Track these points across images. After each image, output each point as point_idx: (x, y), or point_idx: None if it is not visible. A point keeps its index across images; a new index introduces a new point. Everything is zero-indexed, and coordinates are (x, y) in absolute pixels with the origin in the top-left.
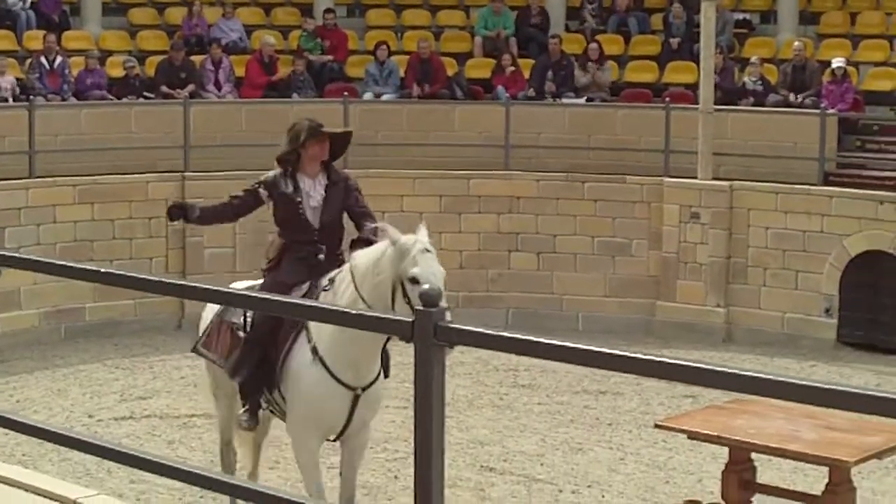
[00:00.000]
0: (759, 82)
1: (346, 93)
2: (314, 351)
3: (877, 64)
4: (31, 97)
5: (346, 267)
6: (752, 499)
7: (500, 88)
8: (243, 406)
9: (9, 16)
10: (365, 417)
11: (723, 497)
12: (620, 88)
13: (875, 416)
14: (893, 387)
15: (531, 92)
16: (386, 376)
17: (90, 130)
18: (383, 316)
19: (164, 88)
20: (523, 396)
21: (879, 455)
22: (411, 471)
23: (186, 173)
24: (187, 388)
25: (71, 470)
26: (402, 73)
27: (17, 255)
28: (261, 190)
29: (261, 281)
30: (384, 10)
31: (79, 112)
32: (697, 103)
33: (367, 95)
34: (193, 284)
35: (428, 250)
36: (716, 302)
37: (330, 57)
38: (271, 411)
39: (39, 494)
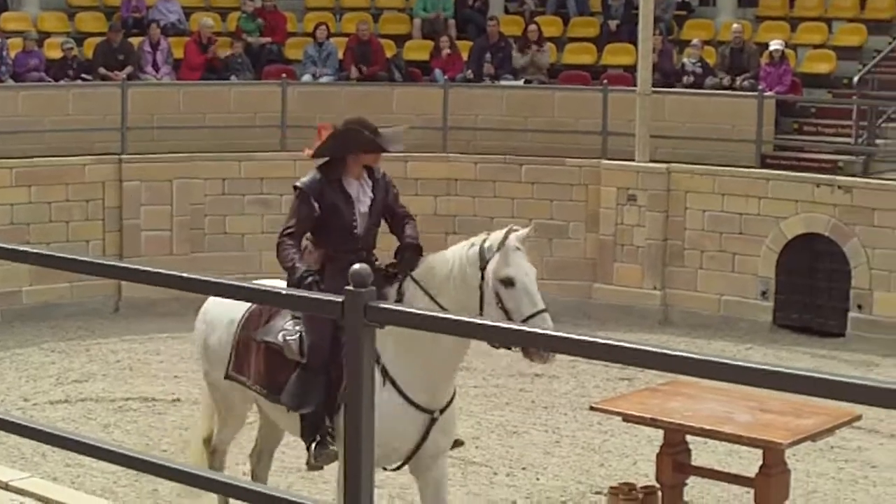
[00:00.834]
0: (699, 64)
1: (284, 75)
2: (384, 371)
3: (815, 46)
4: None
5: (404, 278)
6: (687, 481)
7: (438, 71)
8: (311, 440)
9: None
10: (440, 444)
11: (657, 479)
12: (559, 70)
13: (810, 399)
14: (829, 369)
15: (469, 74)
16: None
17: (27, 112)
18: (314, 296)
19: (102, 70)
20: (458, 379)
21: (813, 437)
22: None
23: (123, 156)
24: (123, 372)
25: (6, 454)
26: (340, 55)
27: None
28: (314, 203)
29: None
30: None
31: (16, 94)
32: (636, 85)
33: (306, 77)
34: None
35: (518, 248)
36: (652, 284)
37: (268, 39)
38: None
39: None
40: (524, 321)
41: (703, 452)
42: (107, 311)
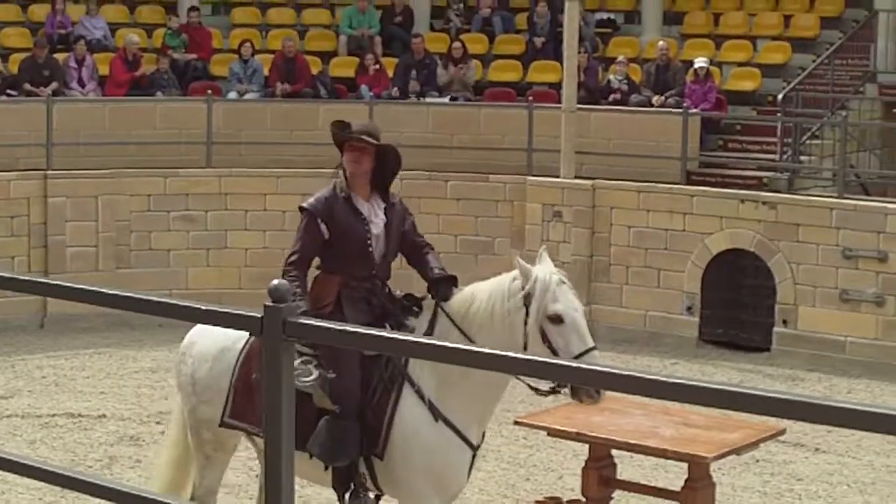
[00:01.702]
0: (625, 81)
1: (209, 91)
2: (432, 407)
3: (739, 64)
4: None
5: (436, 312)
6: (613, 495)
7: (364, 87)
8: (344, 490)
9: None
10: (470, 476)
11: (583, 493)
12: (484, 87)
13: (735, 413)
14: (754, 384)
15: (395, 91)
16: None
17: None
18: (232, 311)
19: (28, 86)
20: None
21: (738, 451)
22: None
23: (49, 172)
24: (49, 388)
25: None
26: (266, 72)
27: None
28: (321, 226)
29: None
30: (249, 9)
31: None
32: (561, 102)
33: (231, 94)
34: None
35: (563, 281)
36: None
37: (194, 55)
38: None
39: None
40: (573, 359)
41: (628, 467)
42: (32, 327)
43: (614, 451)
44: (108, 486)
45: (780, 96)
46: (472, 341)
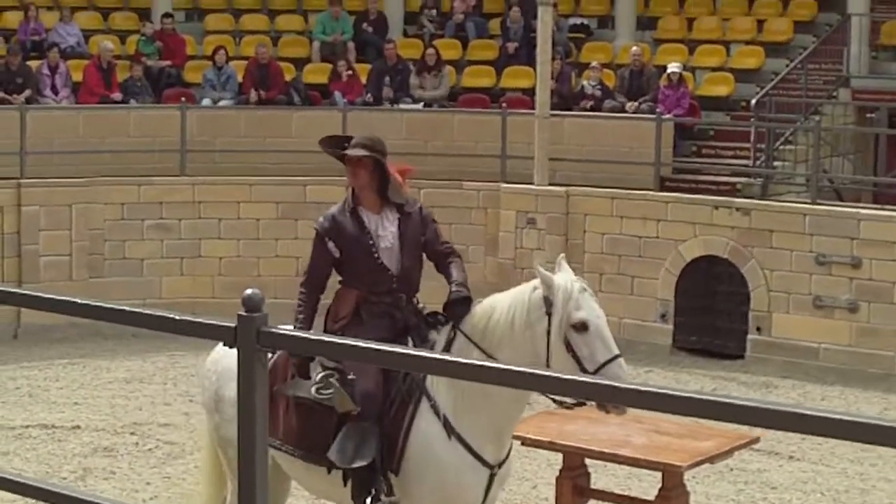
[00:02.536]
0: (598, 87)
1: (183, 98)
2: (447, 424)
3: (713, 69)
4: None
5: (451, 329)
6: None
7: (337, 94)
8: (364, 497)
9: None
10: (495, 498)
11: (557, 503)
12: (458, 94)
13: (709, 421)
14: (728, 391)
15: (369, 97)
16: None
17: None
18: (206, 321)
19: (1, 94)
20: None
21: (712, 459)
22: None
23: (22, 180)
24: (23, 399)
25: None
26: (240, 79)
27: None
28: (329, 245)
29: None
30: (223, 15)
31: None
32: (535, 108)
33: (205, 101)
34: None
35: (585, 289)
36: None
37: (168, 62)
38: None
39: None
40: (598, 369)
41: (602, 476)
42: (6, 337)
43: (588, 461)
44: (83, 498)
45: (753, 101)
46: (491, 357)
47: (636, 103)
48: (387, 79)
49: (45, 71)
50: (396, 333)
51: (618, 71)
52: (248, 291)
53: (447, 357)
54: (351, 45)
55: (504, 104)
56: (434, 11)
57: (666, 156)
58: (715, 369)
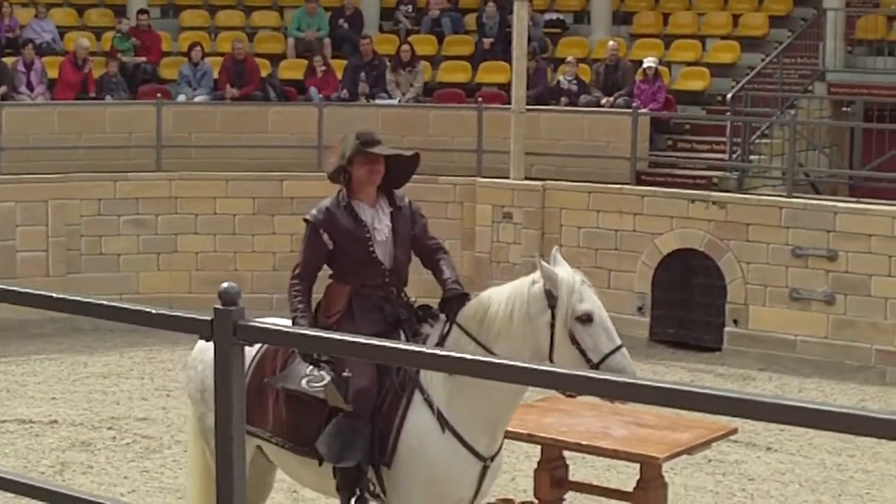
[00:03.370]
0: (574, 82)
1: (159, 94)
2: (440, 417)
3: (688, 64)
4: None
5: (446, 323)
6: (565, 496)
7: (313, 89)
8: (349, 495)
9: None
10: (488, 490)
11: (535, 495)
12: (434, 89)
13: (687, 413)
14: (705, 383)
15: (344, 93)
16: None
17: None
18: (183, 315)
19: None
20: None
21: (690, 451)
22: None
23: None
24: (0, 395)
25: None
26: (215, 75)
27: None
28: (324, 236)
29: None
30: (198, 12)
31: None
32: (510, 103)
33: (181, 97)
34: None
35: (584, 281)
36: None
37: (143, 58)
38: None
39: None
40: (602, 359)
41: (581, 468)
42: None
43: (566, 453)
44: (61, 492)
45: (729, 95)
46: (488, 350)
47: (612, 98)
48: (362, 74)
49: (21, 68)
50: (388, 326)
51: (593, 66)
52: (224, 285)
53: (444, 352)
54: (327, 40)
55: (480, 99)
56: (410, 7)
57: (642, 150)
58: (692, 362)
